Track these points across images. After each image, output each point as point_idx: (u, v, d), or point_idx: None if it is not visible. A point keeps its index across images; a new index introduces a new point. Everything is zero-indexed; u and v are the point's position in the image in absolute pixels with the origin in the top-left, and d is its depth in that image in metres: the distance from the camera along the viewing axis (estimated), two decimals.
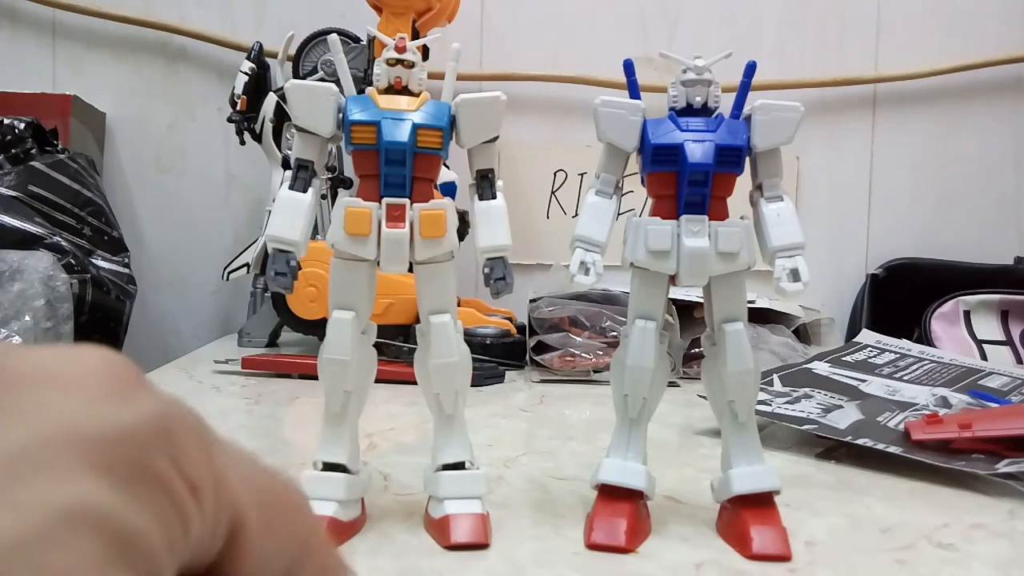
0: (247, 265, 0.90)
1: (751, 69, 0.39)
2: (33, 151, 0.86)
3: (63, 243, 0.79)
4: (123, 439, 0.13)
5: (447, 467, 0.39)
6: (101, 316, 0.82)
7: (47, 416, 0.13)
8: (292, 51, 0.92)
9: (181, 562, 0.14)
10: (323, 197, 0.82)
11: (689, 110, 0.39)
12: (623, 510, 0.38)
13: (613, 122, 0.38)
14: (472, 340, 0.53)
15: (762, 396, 0.60)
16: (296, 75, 0.90)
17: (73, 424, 0.13)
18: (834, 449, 0.54)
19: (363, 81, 0.77)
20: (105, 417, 0.13)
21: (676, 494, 0.44)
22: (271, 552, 0.16)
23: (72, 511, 0.12)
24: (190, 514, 0.14)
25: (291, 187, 0.38)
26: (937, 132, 1.13)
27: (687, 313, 0.82)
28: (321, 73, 0.88)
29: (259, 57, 0.92)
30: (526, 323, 0.82)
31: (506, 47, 1.09)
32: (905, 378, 0.69)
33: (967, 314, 0.93)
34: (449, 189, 0.79)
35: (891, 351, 0.77)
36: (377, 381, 0.41)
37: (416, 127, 0.37)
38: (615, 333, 0.79)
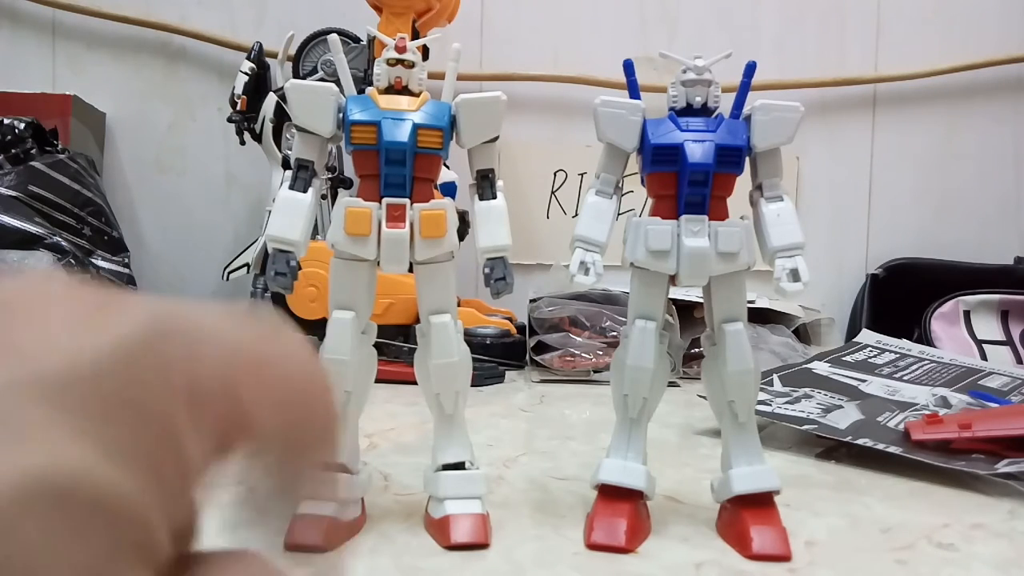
0: (247, 265, 0.90)
1: (751, 69, 0.39)
2: (33, 151, 0.86)
3: (63, 243, 0.79)
4: (94, 375, 0.11)
5: (447, 467, 0.39)
6: None
7: (2, 363, 0.11)
8: (292, 51, 0.92)
9: (185, 496, 0.12)
10: (323, 197, 0.82)
11: (689, 110, 0.39)
12: (623, 510, 0.38)
13: (613, 122, 0.38)
14: (472, 340, 0.53)
15: (762, 396, 0.60)
16: (296, 75, 0.90)
17: (34, 368, 0.11)
18: (834, 449, 0.54)
19: (363, 81, 0.77)
20: (71, 352, 0.11)
21: (676, 494, 0.44)
22: (272, 434, 0.13)
23: (39, 477, 0.10)
24: (184, 440, 0.12)
25: (291, 187, 0.38)
26: (937, 132, 1.13)
27: (687, 313, 0.82)
28: (321, 73, 0.88)
29: (259, 57, 0.92)
30: (526, 323, 0.82)
31: (506, 47, 1.09)
32: (905, 378, 0.69)
33: (967, 314, 0.93)
34: (449, 189, 0.79)
35: (891, 351, 0.77)
36: (377, 381, 0.41)
37: (416, 127, 0.37)
38: (615, 333, 0.79)
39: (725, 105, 0.39)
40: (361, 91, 0.38)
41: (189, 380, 0.12)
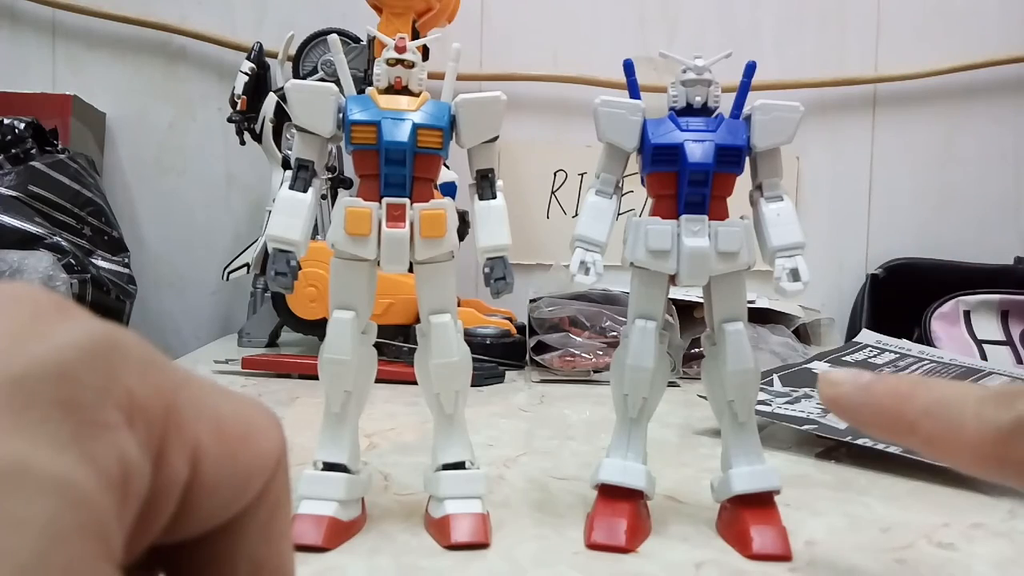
0: (247, 265, 0.90)
1: (751, 69, 0.39)
2: (33, 151, 0.86)
3: (63, 243, 0.79)
4: (38, 377, 0.11)
5: (447, 467, 0.39)
6: (101, 316, 0.82)
7: None
8: (292, 51, 0.92)
9: (134, 505, 0.12)
10: (323, 197, 0.82)
11: (689, 110, 0.39)
12: (623, 510, 0.38)
13: (613, 122, 0.38)
14: (472, 340, 0.53)
15: (762, 396, 0.60)
16: (296, 75, 0.90)
17: None
18: (834, 449, 0.54)
19: (363, 81, 0.77)
20: (16, 356, 0.12)
21: (676, 494, 0.44)
22: (227, 480, 0.14)
23: None
24: (126, 449, 0.12)
25: (291, 187, 0.38)
26: (937, 132, 1.13)
27: (687, 313, 0.82)
28: (321, 73, 0.88)
29: (259, 57, 0.92)
30: (526, 323, 0.82)
31: (506, 47, 1.09)
32: None
33: (967, 314, 0.93)
34: (449, 189, 0.79)
35: (891, 351, 0.77)
36: (377, 381, 0.41)
37: (416, 127, 0.37)
38: (615, 333, 0.79)
39: (725, 105, 0.39)
40: (361, 91, 0.38)
41: (129, 393, 0.12)
